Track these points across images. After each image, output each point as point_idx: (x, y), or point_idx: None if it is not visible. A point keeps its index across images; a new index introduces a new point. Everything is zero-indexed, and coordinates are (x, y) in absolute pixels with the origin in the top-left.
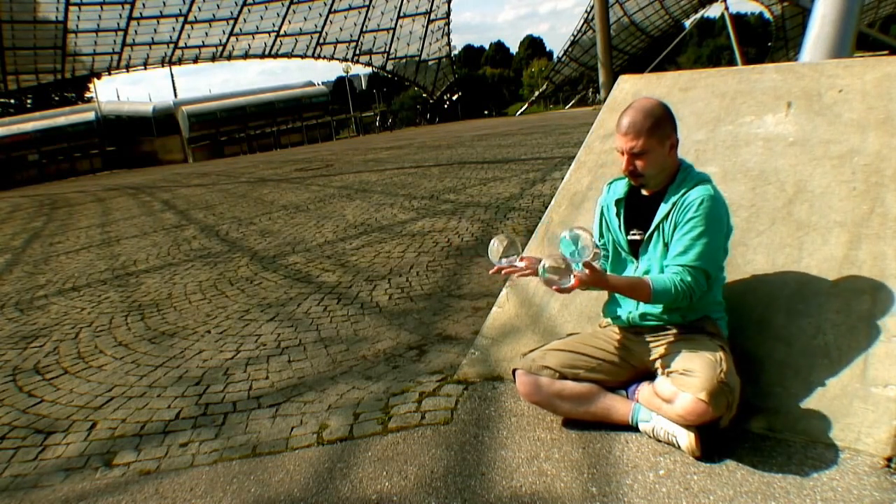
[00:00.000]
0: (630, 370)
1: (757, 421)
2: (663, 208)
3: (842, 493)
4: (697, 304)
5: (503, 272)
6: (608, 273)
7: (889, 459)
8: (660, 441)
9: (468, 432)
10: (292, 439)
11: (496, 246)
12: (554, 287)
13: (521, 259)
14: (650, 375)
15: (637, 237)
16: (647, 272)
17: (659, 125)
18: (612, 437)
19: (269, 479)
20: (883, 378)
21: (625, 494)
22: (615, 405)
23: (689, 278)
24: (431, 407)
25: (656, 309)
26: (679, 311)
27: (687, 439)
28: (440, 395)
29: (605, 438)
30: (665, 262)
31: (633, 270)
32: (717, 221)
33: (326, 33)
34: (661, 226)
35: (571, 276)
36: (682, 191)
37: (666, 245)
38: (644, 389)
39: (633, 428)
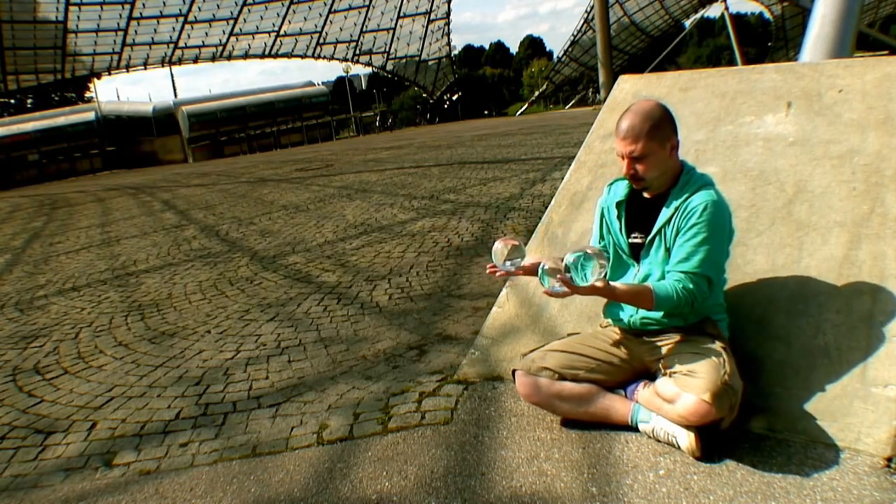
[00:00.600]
0: (630, 371)
1: (757, 421)
2: (665, 213)
3: (842, 493)
4: (699, 308)
5: (498, 274)
6: (610, 283)
7: (889, 459)
8: (660, 441)
9: (468, 432)
10: (292, 439)
11: (501, 248)
12: (557, 281)
13: (522, 266)
14: (649, 376)
15: (638, 240)
16: (647, 276)
17: (658, 127)
18: (612, 437)
19: (269, 479)
20: (883, 378)
21: (625, 494)
22: (615, 405)
23: (691, 285)
24: (431, 407)
25: (657, 313)
26: (680, 314)
27: (687, 439)
28: (440, 395)
29: (605, 438)
30: (667, 268)
31: (633, 274)
32: (719, 227)
33: (326, 33)
34: (662, 230)
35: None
36: (685, 195)
37: (668, 250)
38: (644, 390)
39: (633, 428)
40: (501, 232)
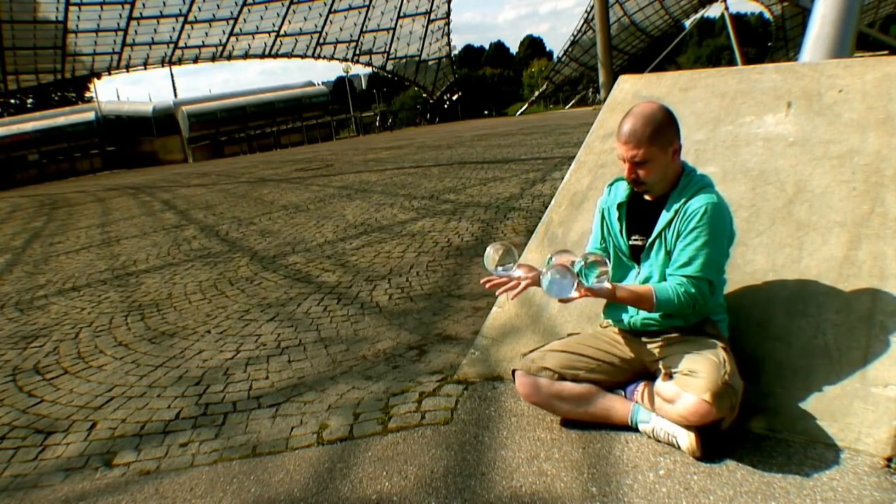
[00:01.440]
0: (630, 371)
1: (757, 421)
2: (665, 216)
3: (842, 493)
4: (700, 309)
5: (495, 287)
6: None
7: (889, 459)
8: (660, 441)
9: (468, 432)
10: (292, 439)
11: (492, 253)
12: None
13: (519, 266)
14: (649, 376)
15: (639, 243)
16: (648, 278)
17: (660, 132)
18: (612, 437)
19: (269, 479)
20: (883, 378)
21: (625, 494)
22: (614, 406)
23: (693, 290)
24: (431, 407)
25: (657, 314)
26: (681, 315)
27: (687, 439)
28: (440, 395)
29: (605, 438)
30: (668, 271)
31: (634, 276)
32: (720, 230)
33: (326, 33)
34: (663, 233)
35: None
36: (685, 198)
37: (668, 252)
38: (643, 390)
39: (633, 428)
40: (501, 232)
